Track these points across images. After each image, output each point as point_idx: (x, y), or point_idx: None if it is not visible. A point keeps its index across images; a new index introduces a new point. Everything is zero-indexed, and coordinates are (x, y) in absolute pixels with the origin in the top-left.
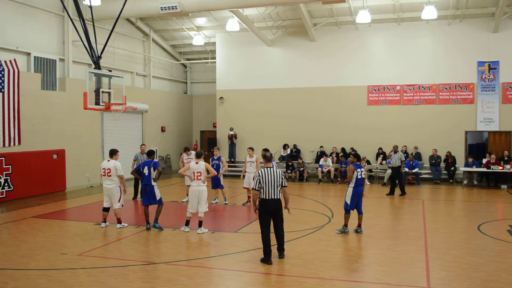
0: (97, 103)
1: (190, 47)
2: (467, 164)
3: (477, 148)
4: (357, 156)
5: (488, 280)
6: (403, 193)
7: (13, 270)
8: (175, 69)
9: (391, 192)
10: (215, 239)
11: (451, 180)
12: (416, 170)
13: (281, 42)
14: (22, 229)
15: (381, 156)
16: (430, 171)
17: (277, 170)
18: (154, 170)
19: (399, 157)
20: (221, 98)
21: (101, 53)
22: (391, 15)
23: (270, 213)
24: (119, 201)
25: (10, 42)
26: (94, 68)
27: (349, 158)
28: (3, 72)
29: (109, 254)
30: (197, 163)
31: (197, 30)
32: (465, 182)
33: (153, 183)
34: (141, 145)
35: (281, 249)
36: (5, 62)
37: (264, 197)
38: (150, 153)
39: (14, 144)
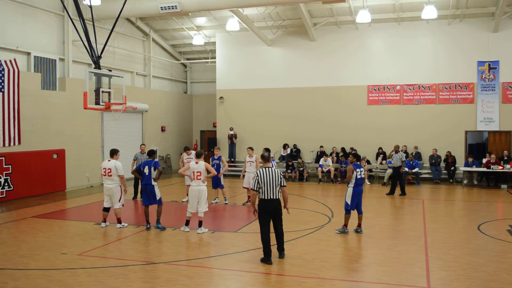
0: (97, 103)
1: (190, 46)
2: (467, 164)
3: (477, 148)
4: (356, 156)
5: (488, 280)
6: (403, 193)
7: (13, 270)
8: (175, 69)
9: (391, 192)
10: (215, 239)
11: (451, 180)
12: (416, 170)
13: (281, 42)
14: (22, 229)
15: (381, 156)
16: (430, 171)
17: (276, 170)
18: (154, 170)
19: (400, 157)
20: (221, 98)
21: (101, 53)
22: (391, 14)
23: (269, 213)
24: (119, 201)
25: (10, 42)
26: (94, 68)
27: (348, 158)
28: (3, 72)
29: (109, 254)
30: (197, 163)
31: (197, 30)
32: (465, 182)
33: (154, 182)
34: (141, 145)
35: (281, 249)
36: (5, 62)
37: (263, 197)
38: (151, 153)
39: (14, 144)
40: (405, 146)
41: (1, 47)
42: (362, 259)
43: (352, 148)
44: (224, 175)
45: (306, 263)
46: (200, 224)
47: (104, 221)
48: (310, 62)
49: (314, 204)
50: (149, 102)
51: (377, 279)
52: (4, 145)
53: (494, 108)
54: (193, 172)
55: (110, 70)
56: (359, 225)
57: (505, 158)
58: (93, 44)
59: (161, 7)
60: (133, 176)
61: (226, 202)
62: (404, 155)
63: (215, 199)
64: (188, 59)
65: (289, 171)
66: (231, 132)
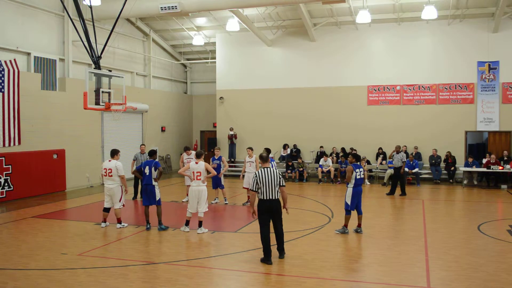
0: (97, 103)
1: (190, 47)
2: (467, 164)
3: (477, 148)
4: (356, 157)
5: (488, 280)
6: (403, 193)
7: (13, 270)
8: (175, 69)
9: (392, 192)
10: (215, 239)
11: (451, 180)
12: (416, 170)
13: (281, 42)
14: (22, 229)
15: (381, 156)
16: (430, 171)
17: (275, 170)
18: (155, 170)
19: (401, 157)
20: (221, 98)
21: (101, 53)
22: (391, 15)
23: (268, 213)
24: (120, 201)
25: (10, 42)
26: (94, 68)
27: (348, 158)
28: (3, 72)
29: (109, 254)
30: (196, 163)
31: (197, 30)
32: (465, 182)
33: (154, 183)
34: (140, 145)
35: (281, 249)
36: (5, 62)
37: (262, 198)
38: (152, 153)
39: (14, 144)
40: (405, 146)
41: (1, 47)
42: (362, 259)
43: (352, 148)
44: (224, 175)
45: (306, 263)
46: (200, 224)
47: (104, 221)
48: (310, 62)
49: (314, 204)
50: (149, 102)
51: (377, 279)
52: (4, 145)
53: (494, 108)
54: (193, 172)
55: (110, 70)
56: (359, 225)
57: (505, 158)
58: (93, 44)
59: (161, 7)
60: (133, 176)
61: (226, 202)
62: (405, 155)
63: (215, 199)
64: (188, 59)
65: (289, 171)
66: (231, 132)
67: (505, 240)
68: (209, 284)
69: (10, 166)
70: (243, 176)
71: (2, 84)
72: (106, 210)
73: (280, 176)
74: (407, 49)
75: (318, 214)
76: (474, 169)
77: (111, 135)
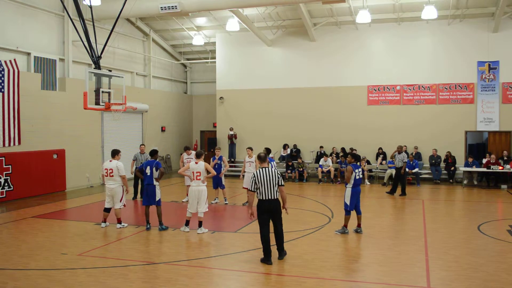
0: (97, 103)
1: (190, 47)
2: (467, 164)
3: (477, 148)
4: (355, 156)
5: (488, 280)
6: (403, 193)
7: (13, 270)
8: (175, 69)
9: (392, 191)
10: (215, 239)
11: (451, 180)
12: (416, 170)
13: (281, 42)
14: (22, 229)
15: (381, 156)
16: (430, 171)
17: (273, 169)
18: (156, 170)
19: (402, 158)
20: (221, 98)
21: (101, 53)
22: (391, 15)
23: (268, 213)
24: (120, 201)
25: (10, 42)
26: (94, 68)
27: (347, 158)
28: (3, 72)
29: (109, 254)
30: (196, 163)
31: (197, 30)
32: (465, 182)
33: (155, 182)
34: (140, 145)
35: (280, 250)
36: (5, 62)
37: (261, 198)
38: (153, 153)
39: (14, 144)
40: (405, 146)
41: (1, 47)
42: (362, 259)
43: (352, 149)
44: (224, 175)
45: (306, 263)
46: (200, 224)
47: (104, 221)
48: (310, 62)
49: (314, 204)
50: (149, 102)
51: (377, 279)
52: (4, 145)
53: (494, 108)
54: (193, 172)
55: (110, 70)
56: (359, 225)
57: (505, 158)
58: (93, 44)
59: (161, 7)
60: (132, 176)
61: (226, 202)
62: (406, 156)
63: (215, 199)
64: (188, 59)
65: (289, 171)
66: (231, 132)
67: (505, 240)
68: (209, 284)
69: (10, 166)
70: (243, 176)
71: (2, 84)
72: (107, 210)
73: (279, 176)
74: (407, 49)
75: (318, 214)
76: (474, 169)
77: (111, 135)
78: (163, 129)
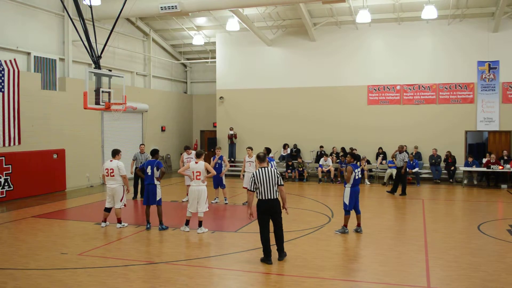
0: (97, 103)
1: (190, 46)
2: (467, 164)
3: (477, 147)
4: (354, 156)
5: (488, 280)
6: (403, 193)
7: (13, 270)
8: (175, 68)
9: (393, 191)
10: (215, 239)
11: (451, 180)
12: (416, 170)
13: (281, 42)
14: (22, 229)
15: (381, 156)
16: (430, 171)
17: (272, 169)
18: (157, 170)
19: (403, 157)
20: (221, 98)
21: (101, 53)
22: (391, 14)
23: (268, 213)
24: (121, 200)
25: (10, 42)
26: (94, 68)
27: (346, 158)
28: (3, 72)
29: (109, 254)
30: (196, 162)
31: (197, 30)
32: (465, 181)
33: (156, 182)
34: (140, 145)
35: (281, 251)
36: (5, 62)
37: (260, 198)
38: (154, 153)
39: (14, 144)
40: (405, 146)
41: (1, 47)
42: (362, 259)
43: (352, 148)
44: (225, 175)
45: (306, 263)
46: (200, 224)
47: (104, 221)
48: (310, 62)
49: (314, 204)
50: (149, 102)
51: (377, 279)
52: (4, 145)
53: (494, 108)
54: (193, 172)
55: (110, 70)
56: (359, 225)
57: (505, 158)
58: (93, 44)
59: (161, 7)
60: (132, 176)
61: (226, 202)
62: (407, 155)
63: (215, 198)
64: (188, 59)
65: (289, 171)
66: (231, 132)
67: (505, 240)
68: (209, 284)
69: (10, 166)
70: (243, 175)
71: (2, 84)
72: (107, 210)
73: (278, 175)
74: (407, 49)
75: (318, 214)
76: (474, 168)
77: (111, 135)
78: (163, 129)
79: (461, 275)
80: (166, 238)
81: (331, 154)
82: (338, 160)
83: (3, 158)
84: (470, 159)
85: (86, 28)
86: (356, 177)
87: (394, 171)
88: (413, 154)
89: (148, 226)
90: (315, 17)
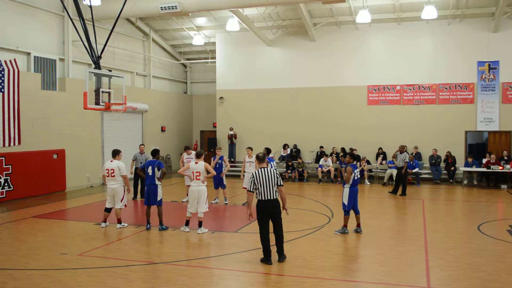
0: (97, 103)
1: (190, 47)
2: (467, 164)
3: (477, 148)
4: (353, 156)
5: (488, 280)
6: (403, 193)
7: (13, 270)
8: (175, 69)
9: (395, 191)
10: (215, 239)
11: (451, 180)
12: (416, 170)
13: (281, 42)
14: (22, 229)
15: (381, 156)
16: (430, 171)
17: (272, 169)
18: (158, 170)
19: (404, 157)
20: (221, 98)
21: (101, 53)
22: (391, 15)
23: (267, 213)
24: (121, 201)
25: (10, 42)
26: (94, 68)
27: (346, 159)
28: (3, 72)
29: (109, 254)
30: (196, 163)
31: (197, 30)
32: (465, 182)
33: (158, 182)
34: (140, 145)
35: (280, 253)
36: (5, 62)
37: (260, 198)
38: (154, 153)
39: (14, 144)
40: (405, 146)
41: (1, 47)
42: (362, 259)
43: (351, 149)
44: (225, 175)
45: (306, 263)
46: (200, 224)
47: (105, 221)
48: (310, 62)
49: (314, 204)
50: (149, 102)
51: (377, 279)
52: (4, 145)
53: (494, 108)
54: (193, 172)
55: (110, 70)
56: (358, 225)
57: (505, 158)
58: (93, 44)
59: (161, 7)
60: (132, 176)
61: (226, 202)
62: (408, 155)
63: (215, 199)
64: (188, 59)
65: (289, 171)
66: (231, 132)
67: (505, 240)
68: (209, 284)
69: (10, 166)
70: (243, 176)
71: (2, 84)
72: (108, 210)
73: (278, 176)
74: (407, 49)
75: (318, 214)
76: (474, 169)
77: (111, 135)
78: (163, 129)
79: (461, 275)
80: (166, 238)
81: (331, 154)
82: (338, 161)
83: (3, 158)
84: (470, 160)
85: (86, 28)
86: (355, 178)
87: (394, 171)
88: (413, 154)
89: (148, 226)
90: (315, 17)
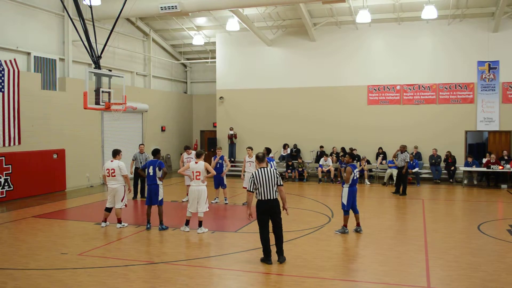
0: (97, 103)
1: (190, 46)
2: (467, 164)
3: (477, 147)
4: (352, 156)
5: (488, 280)
6: (403, 193)
7: (13, 270)
8: (175, 68)
9: (398, 191)
10: (215, 239)
11: (451, 180)
12: (416, 169)
13: (281, 42)
14: (22, 229)
15: (381, 155)
16: (430, 171)
17: (272, 169)
18: (159, 170)
19: (404, 157)
20: (221, 98)
21: (101, 53)
22: (391, 15)
23: (267, 213)
24: (122, 200)
25: (10, 42)
26: (94, 68)
27: (345, 158)
28: (3, 72)
29: (109, 254)
30: (196, 162)
31: (197, 30)
32: (465, 181)
33: (159, 182)
34: (139, 145)
35: (280, 253)
36: (5, 62)
37: (260, 198)
38: (155, 153)
39: (14, 144)
40: (405, 146)
41: (1, 47)
42: (362, 259)
43: (351, 149)
44: (226, 175)
45: (306, 263)
46: (200, 224)
47: (105, 221)
48: (310, 62)
49: (314, 204)
50: (149, 102)
51: (377, 279)
52: (4, 145)
53: (494, 108)
54: (193, 172)
55: (110, 70)
56: (358, 224)
57: (505, 158)
58: (93, 44)
59: (161, 7)
60: (133, 176)
61: (226, 202)
62: (409, 155)
63: (215, 198)
64: (188, 59)
65: (289, 171)
66: (231, 132)
67: (505, 240)
68: (209, 284)
69: (10, 166)
70: (244, 175)
71: (2, 84)
72: (108, 210)
73: (278, 176)
74: (407, 49)
75: (318, 214)
76: (474, 168)
77: (111, 135)
78: (163, 129)
79: (461, 275)
80: (166, 238)
81: (331, 154)
82: (338, 160)
83: (3, 158)
84: (470, 159)
85: (86, 28)
86: (354, 178)
87: (394, 171)
88: (413, 154)
89: (148, 226)
90: (315, 17)
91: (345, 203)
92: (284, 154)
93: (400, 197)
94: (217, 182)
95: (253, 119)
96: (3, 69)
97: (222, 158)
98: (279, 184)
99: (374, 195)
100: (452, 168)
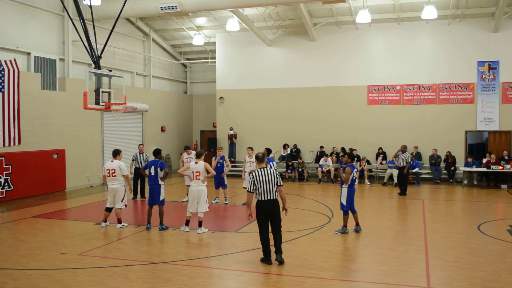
0: (97, 103)
1: (190, 47)
2: (467, 164)
3: (477, 148)
4: (351, 156)
5: (488, 280)
6: (403, 193)
7: (13, 270)
8: (175, 69)
9: (404, 192)
10: (215, 239)
11: (451, 180)
12: (416, 170)
13: (281, 42)
14: (22, 229)
15: (381, 156)
16: (430, 171)
17: (272, 169)
18: (161, 170)
19: (405, 157)
20: (221, 98)
21: (101, 53)
22: (391, 15)
23: (266, 214)
24: (122, 201)
25: (10, 42)
26: (94, 68)
27: (344, 159)
28: (3, 72)
29: (109, 254)
30: (196, 163)
31: (197, 30)
32: (465, 182)
33: (161, 182)
34: (139, 145)
35: (279, 253)
36: (5, 62)
37: (260, 198)
38: (156, 153)
39: (14, 144)
40: (405, 146)
41: (1, 47)
42: (362, 259)
43: (351, 149)
44: (226, 175)
45: (306, 263)
46: (200, 224)
47: (105, 221)
48: (310, 62)
49: (314, 204)
50: (149, 102)
51: (377, 279)
52: (4, 145)
53: (494, 108)
54: (193, 172)
55: (110, 70)
56: (357, 224)
57: (505, 158)
58: (93, 44)
59: (161, 7)
60: (132, 176)
61: (226, 202)
62: (409, 155)
63: (215, 199)
64: (188, 59)
65: (289, 171)
66: (231, 132)
67: (505, 240)
68: (209, 284)
69: (10, 166)
70: (245, 175)
71: (2, 84)
72: (108, 210)
73: (278, 176)
74: (407, 49)
75: (318, 214)
76: (474, 169)
77: (111, 135)
78: (163, 129)
79: (461, 275)
80: (166, 238)
81: (331, 154)
82: (338, 161)
83: (3, 158)
84: (470, 159)
85: (86, 28)
86: (353, 178)
87: (394, 171)
88: (413, 154)
89: (149, 226)
90: (315, 17)
91: (344, 203)
92: (284, 154)
93: (400, 197)
94: (218, 182)
95: (253, 119)
96: (3, 69)
97: (222, 158)
98: (279, 184)
99: (374, 195)
100: (452, 168)
